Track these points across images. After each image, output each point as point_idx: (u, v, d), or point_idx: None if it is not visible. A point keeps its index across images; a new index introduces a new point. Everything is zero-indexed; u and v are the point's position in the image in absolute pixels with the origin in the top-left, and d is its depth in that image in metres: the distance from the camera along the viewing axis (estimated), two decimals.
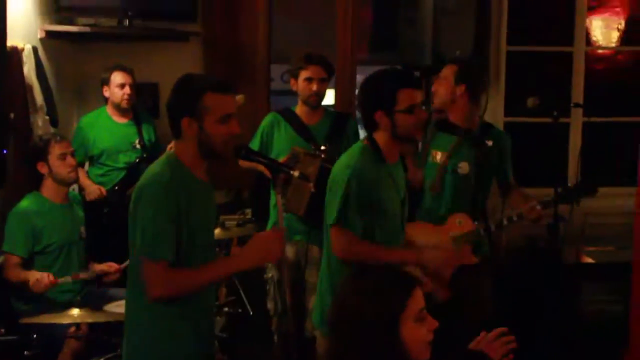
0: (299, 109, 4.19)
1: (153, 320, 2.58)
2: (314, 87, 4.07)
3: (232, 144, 2.58)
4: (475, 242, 3.60)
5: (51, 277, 3.63)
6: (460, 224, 3.62)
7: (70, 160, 3.87)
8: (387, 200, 2.97)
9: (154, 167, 2.59)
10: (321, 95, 4.14)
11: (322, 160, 3.82)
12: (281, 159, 3.91)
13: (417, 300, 1.96)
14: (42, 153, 3.82)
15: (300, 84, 4.10)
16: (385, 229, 2.97)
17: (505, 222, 3.66)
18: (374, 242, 2.95)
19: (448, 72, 3.75)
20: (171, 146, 4.11)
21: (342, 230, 2.92)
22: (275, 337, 4.21)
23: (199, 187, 2.60)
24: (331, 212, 2.94)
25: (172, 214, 2.47)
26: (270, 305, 4.20)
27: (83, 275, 3.81)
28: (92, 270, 3.88)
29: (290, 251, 4.06)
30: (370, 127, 2.98)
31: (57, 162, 3.82)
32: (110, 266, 3.96)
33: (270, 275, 4.17)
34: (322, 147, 3.99)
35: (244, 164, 3.78)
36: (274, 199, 3.96)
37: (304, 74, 4.08)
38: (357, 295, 1.95)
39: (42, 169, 3.83)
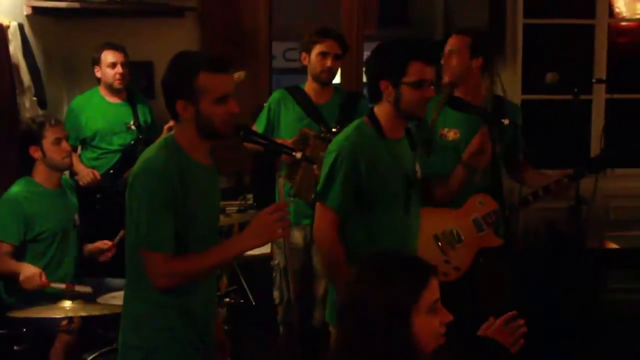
0: (308, 86, 4.18)
1: (147, 312, 2.61)
2: (328, 62, 4.06)
3: (232, 123, 2.57)
4: (497, 223, 3.58)
5: (43, 278, 3.60)
6: (482, 204, 3.57)
7: (65, 145, 3.86)
8: (386, 178, 2.91)
9: (148, 152, 2.59)
10: (334, 73, 4.13)
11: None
12: (290, 140, 3.92)
13: (432, 291, 1.94)
14: (35, 137, 3.80)
15: (312, 59, 4.09)
16: (384, 208, 2.92)
17: (531, 198, 3.62)
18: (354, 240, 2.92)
19: (461, 44, 3.68)
20: (168, 126, 4.17)
21: (324, 209, 2.92)
22: (281, 328, 4.21)
23: (198, 171, 2.60)
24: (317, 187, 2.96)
25: (167, 202, 2.49)
26: (276, 293, 4.20)
27: (79, 288, 3.68)
28: (89, 287, 3.74)
29: (298, 236, 4.08)
30: (374, 98, 2.95)
31: (52, 147, 3.80)
32: (103, 243, 3.96)
33: (276, 262, 4.18)
34: (333, 130, 3.96)
35: (249, 146, 3.77)
36: (286, 185, 3.95)
37: (318, 48, 4.06)
38: (370, 283, 1.94)
39: (35, 153, 3.81)
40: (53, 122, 3.86)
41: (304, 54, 4.13)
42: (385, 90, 2.88)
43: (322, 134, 3.94)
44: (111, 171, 4.69)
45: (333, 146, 2.96)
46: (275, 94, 4.26)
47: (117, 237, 3.89)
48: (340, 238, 2.92)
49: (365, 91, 4.28)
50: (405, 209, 2.97)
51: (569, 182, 3.59)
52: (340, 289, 2.87)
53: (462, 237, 3.57)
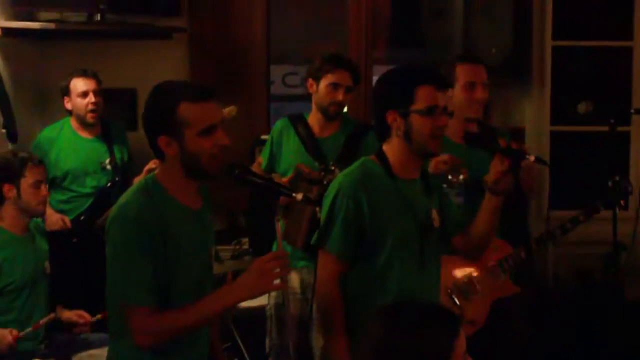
0: (312, 118, 4.19)
1: None
2: (339, 96, 4.06)
3: (222, 159, 2.57)
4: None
5: (14, 333, 3.57)
6: (496, 249, 3.56)
7: (43, 190, 3.83)
8: (394, 222, 2.87)
9: (125, 197, 2.61)
10: (343, 107, 4.14)
11: (324, 187, 3.76)
12: (285, 179, 3.94)
13: (462, 341, 1.98)
14: (14, 174, 3.77)
15: (322, 89, 4.08)
16: (391, 256, 2.88)
17: (544, 237, 3.62)
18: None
19: (484, 74, 3.68)
20: (148, 168, 4.15)
21: (324, 255, 2.92)
22: None
23: (184, 215, 2.60)
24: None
25: (145, 252, 2.50)
26: (267, 342, 4.20)
27: (44, 321, 3.75)
28: (56, 313, 3.83)
29: (295, 280, 4.06)
30: (382, 134, 2.93)
31: (30, 189, 3.77)
32: (80, 316, 3.91)
33: (269, 306, 4.18)
34: (333, 168, 3.96)
35: None
36: (284, 226, 3.95)
37: (328, 79, 4.06)
38: (403, 333, 1.97)
39: (10, 192, 3.77)
40: (36, 161, 3.84)
41: (311, 81, 4.14)
42: (394, 123, 2.86)
43: (317, 172, 3.93)
44: (82, 217, 4.66)
45: (334, 185, 2.95)
46: (278, 124, 4.29)
47: (96, 317, 3.84)
48: (340, 291, 2.89)
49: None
50: (420, 263, 2.92)
51: (585, 220, 3.60)
52: (336, 350, 2.89)
53: (477, 288, 3.57)
